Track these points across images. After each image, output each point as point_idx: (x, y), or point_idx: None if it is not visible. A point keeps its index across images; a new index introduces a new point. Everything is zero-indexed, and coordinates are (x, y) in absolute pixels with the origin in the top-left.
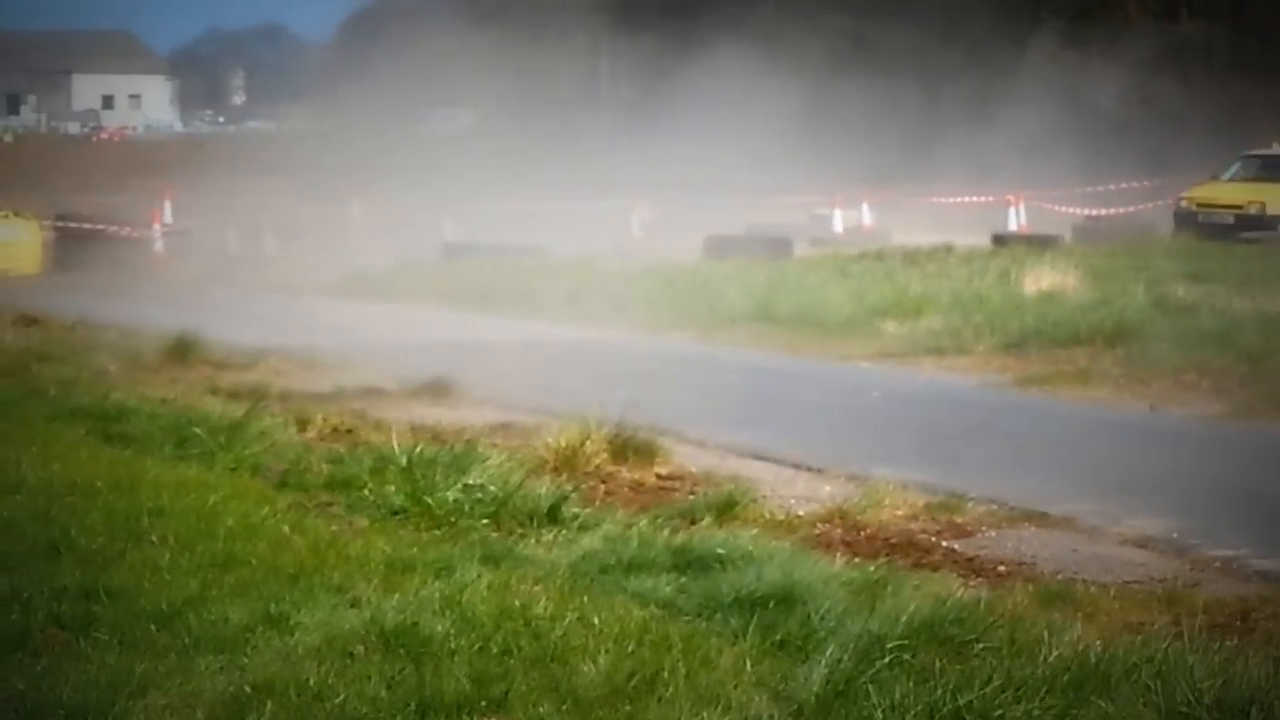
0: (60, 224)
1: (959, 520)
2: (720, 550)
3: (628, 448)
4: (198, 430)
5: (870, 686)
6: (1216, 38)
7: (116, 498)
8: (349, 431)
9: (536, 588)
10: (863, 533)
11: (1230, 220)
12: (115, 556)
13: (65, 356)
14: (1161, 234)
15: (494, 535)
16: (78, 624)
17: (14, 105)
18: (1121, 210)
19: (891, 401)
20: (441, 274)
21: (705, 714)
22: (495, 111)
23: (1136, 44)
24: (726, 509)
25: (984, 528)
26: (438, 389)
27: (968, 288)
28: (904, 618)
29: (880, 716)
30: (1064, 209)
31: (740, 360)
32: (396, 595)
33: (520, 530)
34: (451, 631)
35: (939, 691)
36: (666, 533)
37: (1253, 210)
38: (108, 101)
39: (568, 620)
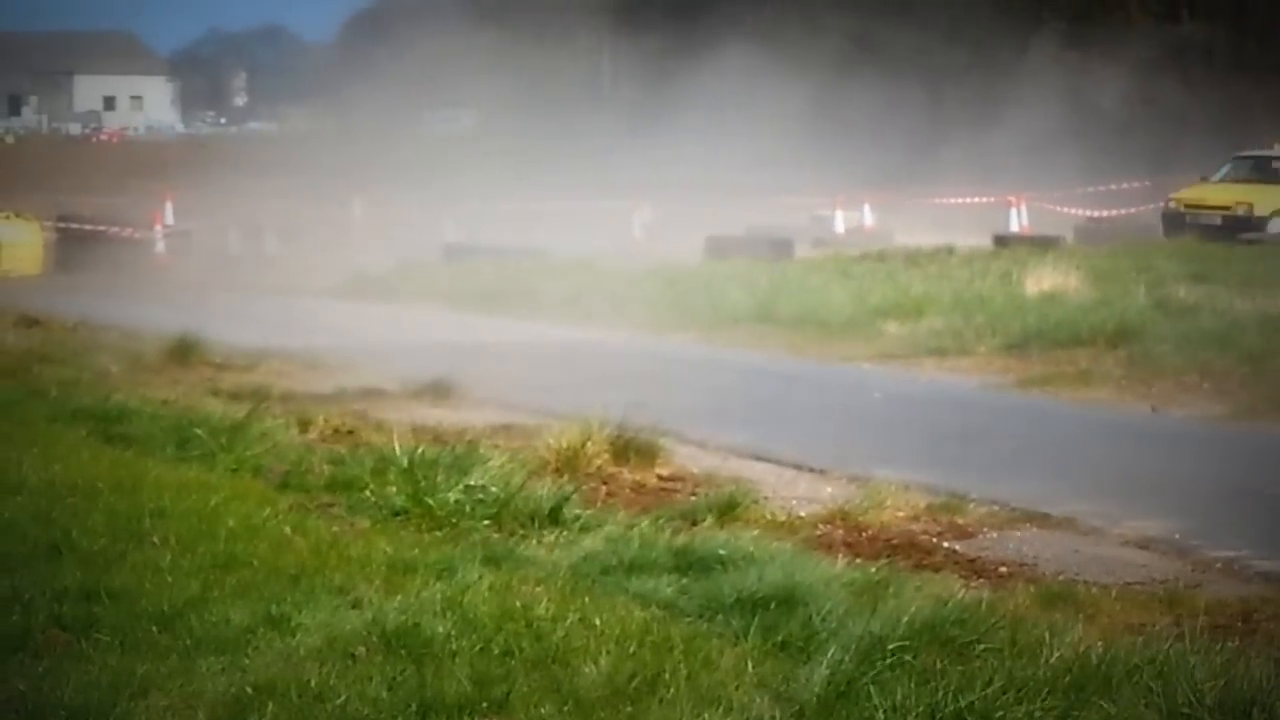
0: (61, 225)
1: (960, 521)
2: (722, 551)
3: (629, 449)
4: (199, 431)
5: (872, 687)
6: (1218, 38)
7: (118, 499)
8: (350, 433)
9: (538, 589)
10: (864, 534)
11: (1218, 221)
12: (116, 558)
13: (67, 358)
14: (1162, 235)
15: (495, 536)
16: (79, 625)
17: (15, 106)
18: (1123, 211)
19: (893, 402)
20: (443, 275)
21: (706, 715)
22: (497, 112)
23: (1138, 45)
24: (728, 510)
25: (985, 529)
26: (439, 390)
27: (969, 289)
28: (905, 619)
29: (882, 717)
30: (1065, 210)
31: (742, 361)
32: (398, 596)
33: (522, 531)
34: (453, 632)
35: (940, 692)
36: (668, 534)
37: (1240, 211)
38: (109, 102)
39: (569, 621)
